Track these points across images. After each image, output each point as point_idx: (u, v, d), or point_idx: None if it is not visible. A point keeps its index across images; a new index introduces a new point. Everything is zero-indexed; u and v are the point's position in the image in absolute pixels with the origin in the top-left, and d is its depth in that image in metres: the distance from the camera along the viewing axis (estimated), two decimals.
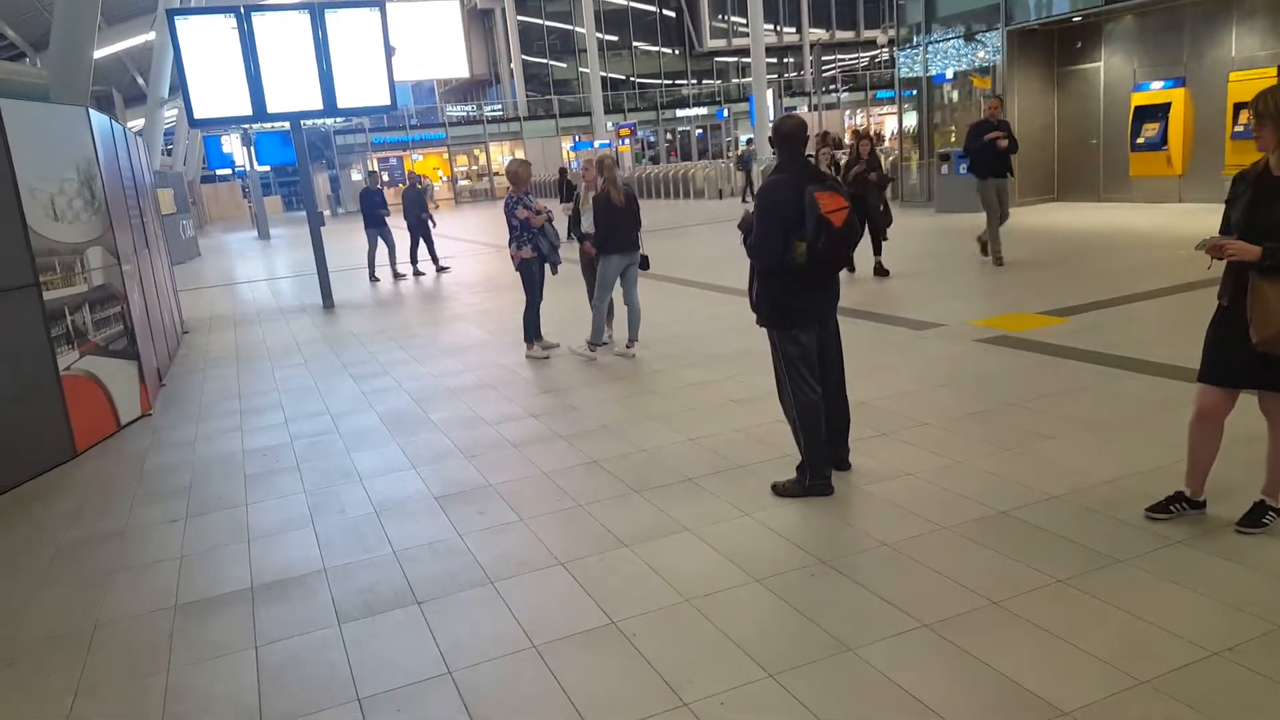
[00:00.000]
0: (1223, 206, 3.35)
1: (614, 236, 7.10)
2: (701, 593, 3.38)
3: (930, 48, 17.18)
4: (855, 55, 55.45)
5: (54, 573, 4.20)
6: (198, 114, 10.95)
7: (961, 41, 16.46)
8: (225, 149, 31.37)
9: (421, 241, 14.96)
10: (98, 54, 16.36)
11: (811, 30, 54.83)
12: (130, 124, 30.67)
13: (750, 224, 4.04)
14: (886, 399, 5.54)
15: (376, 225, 14.34)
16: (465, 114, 48.20)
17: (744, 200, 23.68)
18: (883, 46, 51.65)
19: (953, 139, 16.52)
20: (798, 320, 4.07)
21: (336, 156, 42.91)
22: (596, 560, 3.76)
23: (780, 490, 4.21)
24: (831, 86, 47.57)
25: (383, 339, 9.33)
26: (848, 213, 3.87)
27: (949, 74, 17.05)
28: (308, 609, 3.59)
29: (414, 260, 15.05)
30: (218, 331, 10.95)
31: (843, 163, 10.82)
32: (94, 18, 12.68)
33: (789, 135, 3.98)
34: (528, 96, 47.90)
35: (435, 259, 15.08)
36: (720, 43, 52.62)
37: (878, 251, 10.25)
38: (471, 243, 20.48)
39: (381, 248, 14.60)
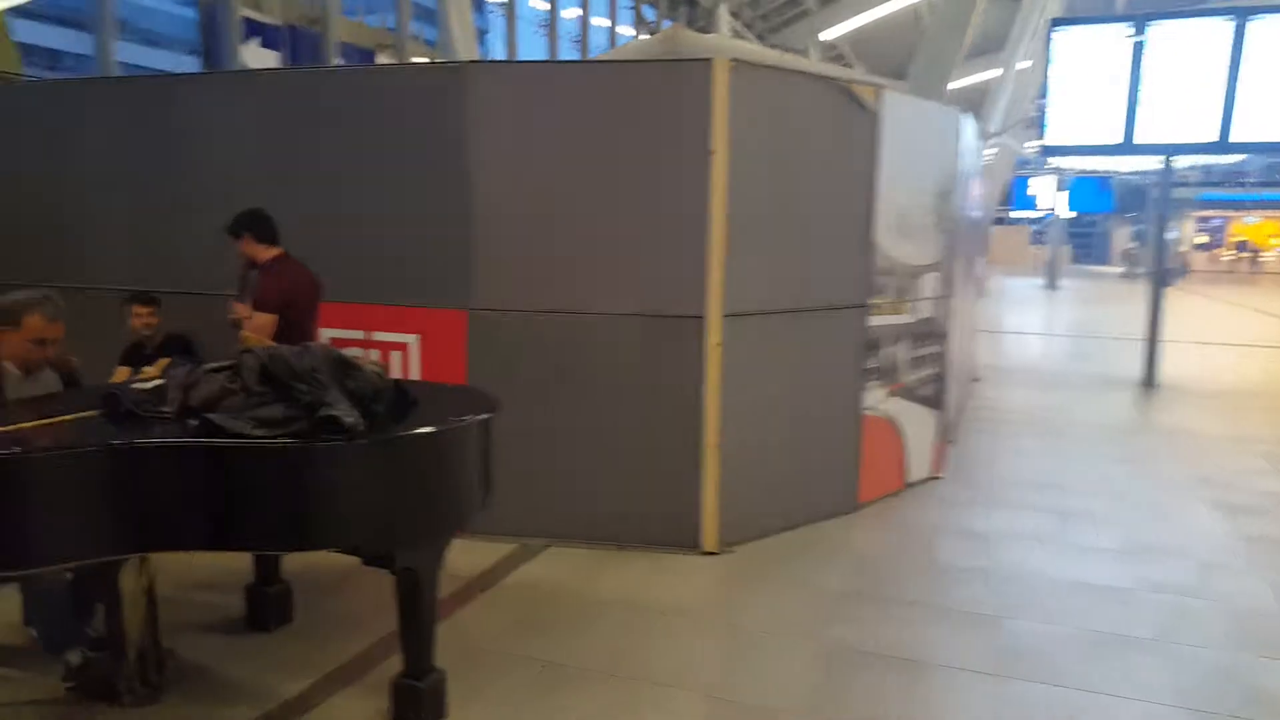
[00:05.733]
0: None
1: None
2: None
3: None
4: None
5: (803, 652, 3.08)
6: (1051, 140, 9.56)
7: None
8: (1030, 191, 30.22)
9: None
10: (956, 84, 16.39)
11: None
12: None
13: None
14: None
15: None
16: None
17: None
18: None
19: None
20: None
21: (1151, 211, 38.36)
22: None
23: None
24: None
25: (1249, 452, 6.63)
26: None
27: None
28: None
29: None
30: (1008, 387, 9.50)
31: None
32: (956, 52, 12.40)
33: None
34: None
35: None
36: None
37: None
38: None
39: None
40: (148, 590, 3.08)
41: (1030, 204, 30.92)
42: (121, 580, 2.95)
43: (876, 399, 5.11)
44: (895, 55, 28.47)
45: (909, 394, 5.41)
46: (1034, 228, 38.65)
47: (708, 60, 4.14)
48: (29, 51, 18.61)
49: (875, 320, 4.99)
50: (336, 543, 2.64)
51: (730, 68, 4.09)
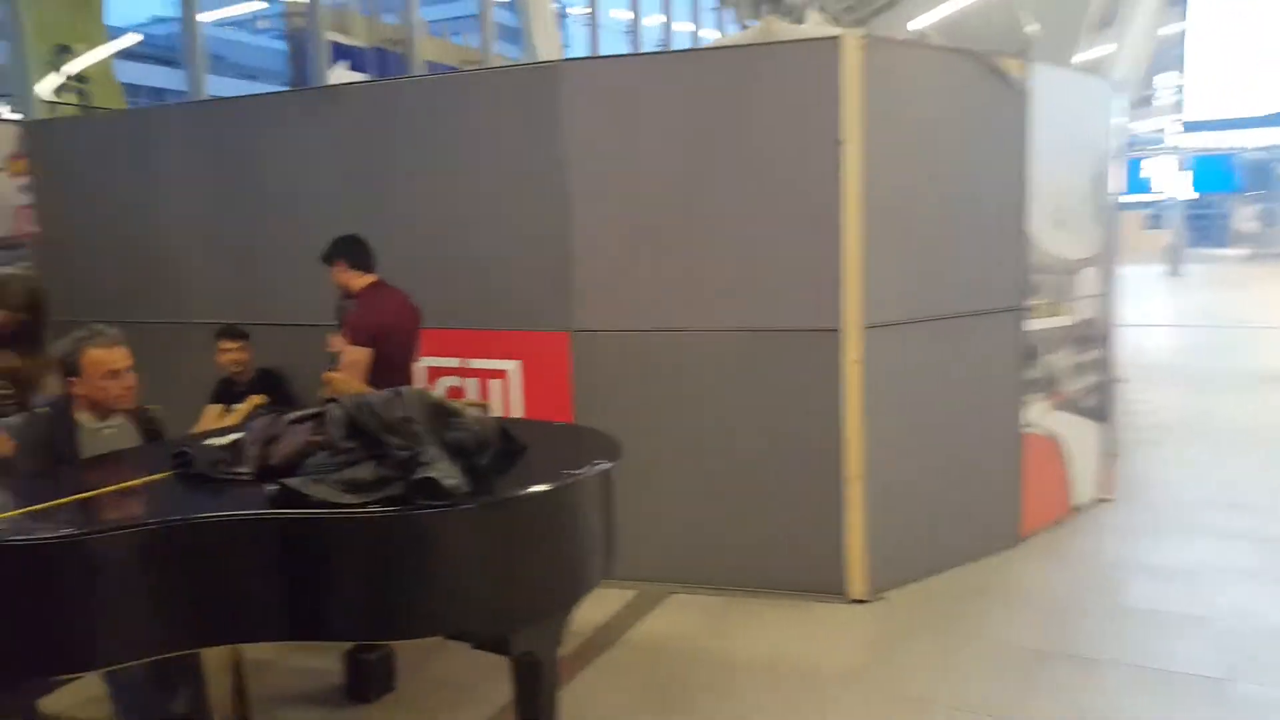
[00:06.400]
0: None
1: None
2: None
3: None
4: None
5: None
6: (1190, 115, 8.67)
7: None
8: (1144, 174, 28.25)
9: None
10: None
11: None
12: None
13: None
14: None
15: None
16: None
17: None
18: None
19: None
20: None
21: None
22: None
23: None
24: None
25: None
26: None
27: None
28: None
29: None
30: (1157, 387, 8.57)
31: None
32: (1080, 23, 11.46)
33: None
34: None
35: None
36: None
37: None
38: None
39: None
40: (235, 662, 2.75)
41: (1144, 187, 28.93)
42: (205, 652, 2.61)
43: (1037, 414, 4.46)
44: (989, 42, 27.12)
45: (1072, 406, 4.74)
46: (1148, 212, 36.31)
47: (835, 38, 3.61)
48: (133, 91, 19.28)
49: (1032, 324, 4.36)
50: (441, 629, 2.22)
51: (863, 44, 3.56)
